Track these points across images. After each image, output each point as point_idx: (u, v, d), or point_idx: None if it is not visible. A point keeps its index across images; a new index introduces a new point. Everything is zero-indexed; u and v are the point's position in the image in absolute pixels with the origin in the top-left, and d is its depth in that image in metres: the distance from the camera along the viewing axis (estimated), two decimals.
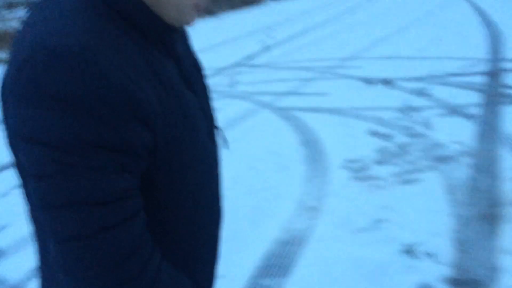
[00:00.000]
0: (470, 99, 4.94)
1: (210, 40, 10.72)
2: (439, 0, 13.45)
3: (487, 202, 2.98)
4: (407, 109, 4.84)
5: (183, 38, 0.93)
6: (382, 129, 4.41)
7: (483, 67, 6.09)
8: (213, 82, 6.90)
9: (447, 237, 2.67)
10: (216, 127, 0.95)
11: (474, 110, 4.60)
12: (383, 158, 3.82)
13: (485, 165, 3.49)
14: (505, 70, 5.84)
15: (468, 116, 4.47)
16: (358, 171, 3.64)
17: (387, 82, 5.89)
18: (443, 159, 3.66)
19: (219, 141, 0.96)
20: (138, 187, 0.72)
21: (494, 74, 5.73)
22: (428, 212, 2.94)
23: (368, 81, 6.03)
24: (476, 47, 7.22)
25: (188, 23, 0.81)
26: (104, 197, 0.66)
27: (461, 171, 3.44)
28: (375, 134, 4.33)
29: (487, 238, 2.63)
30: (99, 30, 0.68)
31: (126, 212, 0.69)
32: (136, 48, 0.73)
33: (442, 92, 5.25)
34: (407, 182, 3.38)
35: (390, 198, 3.17)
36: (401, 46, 7.91)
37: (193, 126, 0.81)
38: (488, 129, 4.14)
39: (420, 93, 5.32)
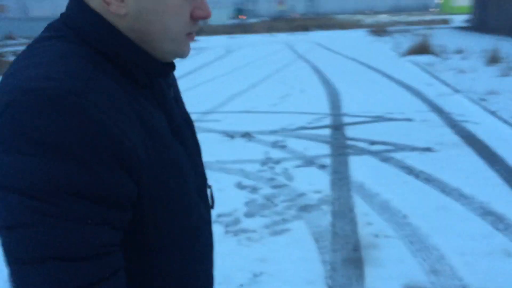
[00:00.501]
0: (321, 150, 5.45)
1: None
2: (284, 60, 14.87)
3: (350, 246, 3.25)
4: (268, 161, 5.13)
5: (174, 89, 0.90)
6: (248, 182, 4.57)
7: (327, 121, 6.82)
8: None
9: (321, 284, 2.83)
10: (206, 185, 0.92)
11: (326, 161, 5.08)
12: (253, 210, 3.94)
13: (342, 211, 3.83)
14: (346, 124, 6.63)
15: (321, 166, 4.91)
16: (231, 225, 3.68)
17: (247, 135, 6.19)
18: (306, 208, 3.92)
19: (208, 199, 0.93)
20: (119, 243, 0.67)
21: (337, 127, 6.45)
22: (301, 261, 3.08)
23: (229, 134, 6.25)
24: (319, 103, 8.08)
25: (184, 54, 0.79)
26: (81, 252, 0.61)
27: (323, 218, 3.72)
28: (242, 187, 4.46)
29: (356, 281, 2.85)
30: (86, 75, 0.66)
31: (105, 270, 0.63)
32: (124, 94, 0.70)
33: (296, 144, 5.70)
34: (278, 233, 3.52)
35: (264, 250, 3.26)
36: (255, 101, 8.44)
37: (181, 178, 0.77)
38: (340, 178, 4.59)
39: (277, 145, 5.69)
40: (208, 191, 0.95)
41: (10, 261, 0.61)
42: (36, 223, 0.59)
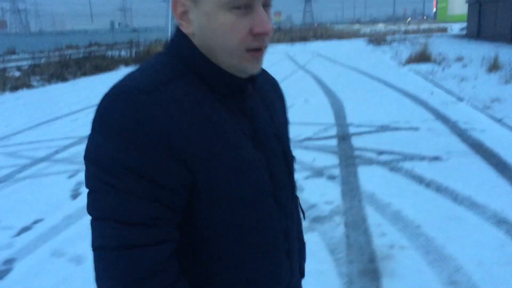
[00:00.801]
0: (329, 161, 5.44)
1: (68, 107, 10.05)
2: (285, 70, 14.91)
3: (366, 257, 3.24)
4: None
5: (270, 103, 0.99)
6: None
7: (333, 131, 6.83)
8: (78, 149, 6.41)
9: None
10: (289, 195, 0.98)
11: (335, 171, 5.07)
12: None
13: (355, 222, 3.82)
14: (352, 134, 6.63)
15: (331, 177, 4.90)
16: None
17: None
18: (319, 219, 3.91)
19: (292, 207, 1.00)
20: (167, 220, 0.79)
21: (343, 137, 6.45)
22: (317, 274, 3.06)
23: None
24: (323, 113, 8.09)
25: (247, 69, 0.85)
26: (131, 219, 0.75)
27: (337, 229, 3.70)
28: None
29: None
30: (162, 79, 0.80)
31: (149, 238, 0.76)
32: (197, 98, 0.81)
33: (304, 155, 5.69)
34: None
35: None
36: None
37: (245, 176, 0.84)
38: (350, 188, 4.58)
39: None
40: (296, 201, 1.05)
41: (90, 215, 0.79)
42: (102, 191, 0.76)
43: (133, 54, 24.00)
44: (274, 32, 49.36)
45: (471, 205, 3.94)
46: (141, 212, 0.75)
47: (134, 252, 0.75)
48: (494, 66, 12.50)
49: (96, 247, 0.77)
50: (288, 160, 0.99)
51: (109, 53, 24.55)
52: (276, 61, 19.35)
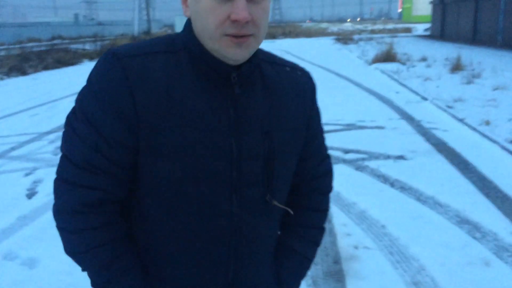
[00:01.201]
0: None
1: (27, 102, 9.63)
2: None
3: (330, 259, 3.20)
4: None
5: (269, 96, 0.98)
6: None
7: None
8: (36, 146, 6.13)
9: None
10: (256, 194, 0.97)
11: None
12: None
13: None
14: None
15: None
16: None
17: None
18: None
19: (260, 208, 0.99)
20: (107, 172, 0.90)
21: None
22: None
23: None
24: None
25: (228, 54, 0.88)
26: (75, 159, 0.89)
27: None
28: None
29: None
30: (143, 50, 0.91)
31: (84, 180, 0.89)
32: (175, 76, 0.89)
33: None
34: None
35: None
36: None
37: (193, 162, 0.89)
38: None
39: None
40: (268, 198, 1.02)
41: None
42: (67, 130, 0.92)
43: (98, 48, 23.39)
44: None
45: (435, 204, 3.98)
46: (84, 156, 0.88)
47: (69, 188, 0.90)
48: (456, 67, 12.82)
49: (56, 175, 0.94)
50: (273, 161, 0.96)
51: (73, 46, 23.84)
52: None
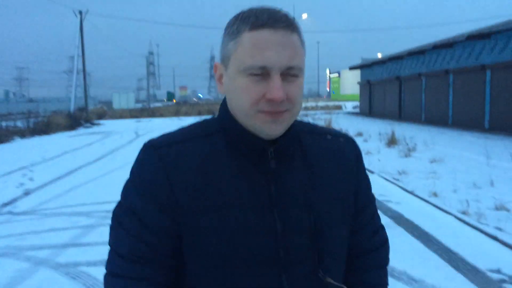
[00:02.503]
0: None
1: None
2: None
3: None
4: None
5: (309, 168, 0.97)
6: None
7: None
8: None
9: None
10: (306, 271, 0.92)
11: None
12: None
13: None
14: None
15: None
16: None
17: None
18: None
19: (310, 286, 0.93)
20: (152, 261, 0.90)
21: None
22: None
23: None
24: None
25: (263, 129, 0.90)
26: (121, 251, 0.91)
27: None
28: None
29: None
30: (181, 139, 0.94)
31: (131, 272, 0.89)
32: (211, 159, 0.91)
33: None
34: None
35: None
36: None
37: (239, 243, 0.87)
38: None
39: None
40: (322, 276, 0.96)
41: None
42: (114, 223, 0.94)
43: (31, 125, 22.41)
44: (181, 106, 49.78)
45: (410, 280, 3.92)
46: (130, 247, 0.89)
47: (118, 281, 0.90)
48: (392, 141, 13.58)
49: (105, 270, 0.94)
50: (321, 234, 0.93)
51: (3, 123, 22.69)
52: None
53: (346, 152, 1.04)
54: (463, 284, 3.83)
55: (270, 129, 0.89)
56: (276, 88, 0.85)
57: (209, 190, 0.89)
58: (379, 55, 42.68)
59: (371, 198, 1.11)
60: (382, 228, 1.14)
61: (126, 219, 0.90)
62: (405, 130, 16.72)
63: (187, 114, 38.08)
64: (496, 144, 13.06)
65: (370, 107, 34.37)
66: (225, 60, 0.92)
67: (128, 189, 0.93)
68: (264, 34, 0.86)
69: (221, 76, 0.95)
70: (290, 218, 0.91)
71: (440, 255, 4.46)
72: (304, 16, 48.79)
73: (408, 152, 11.50)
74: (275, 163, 0.92)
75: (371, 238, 1.10)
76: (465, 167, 9.27)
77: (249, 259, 0.88)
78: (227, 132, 0.94)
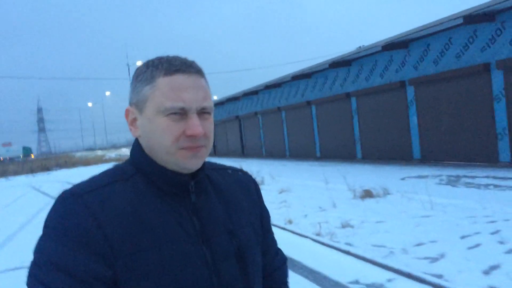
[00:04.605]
0: None
1: None
2: (36, 204, 13.25)
3: None
4: None
5: (224, 199, 1.06)
6: None
7: None
8: None
9: None
10: None
11: None
12: None
13: None
14: None
15: None
16: None
17: None
18: None
19: None
20: None
21: None
22: None
23: None
24: None
25: (186, 164, 0.96)
26: None
27: None
28: None
29: None
30: (101, 184, 0.94)
31: None
32: (134, 200, 0.93)
33: None
34: None
35: None
36: (19, 256, 7.13)
37: (177, 277, 0.90)
38: None
39: None
40: None
41: None
42: (32, 281, 0.87)
43: None
44: (8, 165, 44.47)
45: None
46: None
47: None
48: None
49: None
50: (244, 258, 1.02)
51: None
52: (21, 195, 17.19)
53: (247, 183, 1.17)
54: None
55: (191, 163, 0.96)
56: (195, 125, 0.95)
57: (141, 230, 0.90)
58: (215, 97, 44.64)
59: (270, 222, 1.24)
60: (280, 249, 1.28)
61: (50, 277, 0.85)
62: (250, 166, 17.63)
63: (16, 173, 34.05)
64: (329, 170, 14.66)
65: (214, 147, 35.48)
66: (139, 104, 0.98)
67: (47, 245, 0.87)
68: (179, 78, 0.95)
69: (134, 120, 1.01)
70: (217, 246, 0.98)
71: (306, 277, 4.80)
72: (139, 63, 48.54)
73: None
74: (195, 196, 1.00)
75: (275, 258, 1.23)
76: (310, 193, 10.19)
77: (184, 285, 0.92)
78: (145, 173, 0.98)
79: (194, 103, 0.95)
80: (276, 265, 1.22)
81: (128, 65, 43.28)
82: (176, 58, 0.99)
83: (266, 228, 1.18)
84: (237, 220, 1.05)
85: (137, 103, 0.99)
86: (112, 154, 59.57)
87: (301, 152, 22.14)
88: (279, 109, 23.92)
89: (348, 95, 17.95)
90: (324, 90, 19.63)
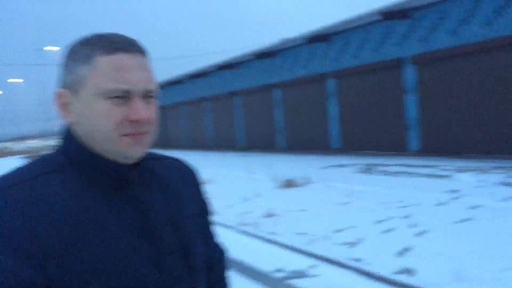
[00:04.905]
0: None
1: None
2: None
3: None
4: None
5: (165, 189, 0.99)
6: None
7: None
8: None
9: None
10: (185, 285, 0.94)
11: None
12: None
13: None
14: None
15: None
16: None
17: None
18: None
19: None
20: None
21: None
22: None
23: None
24: None
25: (128, 153, 0.88)
26: None
27: None
28: None
29: None
30: (29, 176, 0.84)
31: None
32: (67, 194, 0.83)
33: None
34: None
35: None
36: None
37: (119, 274, 0.83)
38: None
39: None
40: None
41: None
42: None
43: None
44: None
45: None
46: None
47: None
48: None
49: None
50: (189, 251, 0.96)
51: None
52: None
53: (187, 173, 1.11)
54: None
55: (134, 151, 0.89)
56: (140, 109, 0.87)
57: (74, 227, 0.82)
58: None
59: (210, 213, 1.20)
60: (219, 240, 1.25)
61: None
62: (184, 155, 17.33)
63: None
64: (253, 160, 14.84)
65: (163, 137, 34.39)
66: (74, 86, 0.88)
67: None
68: (122, 58, 0.86)
69: (66, 104, 0.90)
70: (160, 240, 0.91)
71: (231, 267, 4.79)
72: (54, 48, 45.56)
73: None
74: (136, 188, 0.93)
75: (216, 249, 1.20)
76: (234, 184, 10.23)
77: (141, 283, 0.86)
78: (79, 163, 0.88)
79: (139, 84, 0.87)
80: (215, 258, 1.19)
81: (39, 49, 40.41)
82: (117, 36, 0.90)
83: (206, 220, 1.13)
84: (179, 212, 0.99)
85: (71, 85, 0.88)
86: (20, 146, 55.55)
87: (225, 143, 22.16)
88: (203, 99, 23.72)
89: (271, 86, 18.23)
90: (248, 81, 19.76)
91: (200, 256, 1.02)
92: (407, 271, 4.16)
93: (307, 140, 16.73)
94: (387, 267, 4.29)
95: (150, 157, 1.03)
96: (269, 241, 5.59)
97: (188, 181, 1.09)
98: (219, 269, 1.20)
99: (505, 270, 3.92)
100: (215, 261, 1.19)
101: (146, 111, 0.88)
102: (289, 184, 9.18)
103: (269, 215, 6.87)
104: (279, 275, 4.48)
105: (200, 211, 1.09)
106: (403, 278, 3.98)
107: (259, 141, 19.36)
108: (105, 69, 0.86)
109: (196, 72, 22.59)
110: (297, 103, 17.12)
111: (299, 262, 4.74)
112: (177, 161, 1.13)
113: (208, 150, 22.85)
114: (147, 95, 0.90)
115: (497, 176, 8.22)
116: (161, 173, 1.02)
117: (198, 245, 1.01)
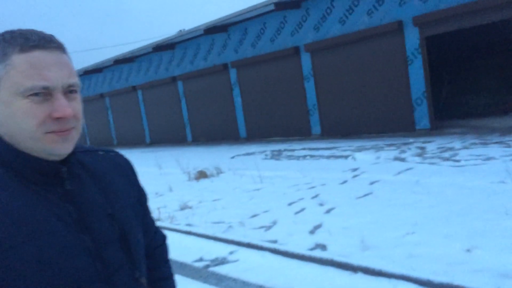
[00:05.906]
0: None
1: None
2: None
3: None
4: None
5: (98, 182, 1.00)
6: None
7: None
8: None
9: None
10: (126, 277, 0.97)
11: None
12: None
13: None
14: None
15: None
16: None
17: None
18: None
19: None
20: None
21: None
22: None
23: None
24: None
25: (54, 150, 0.88)
26: None
27: None
28: None
29: None
30: None
31: None
32: (1, 191, 0.84)
33: None
34: None
35: None
36: None
37: (60, 269, 0.84)
38: None
39: None
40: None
41: None
42: None
43: None
44: None
45: None
46: None
47: None
48: None
49: None
50: (127, 241, 0.99)
51: None
52: None
53: (121, 164, 1.14)
54: (182, 282, 4.23)
55: (61, 148, 0.89)
56: (63, 106, 0.87)
57: (11, 225, 0.82)
58: None
59: (148, 202, 1.24)
60: (157, 227, 1.29)
61: None
62: None
63: None
64: (162, 155, 14.60)
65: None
66: None
67: None
68: (39, 55, 0.86)
69: None
70: (98, 232, 0.93)
71: None
72: None
73: None
74: (68, 183, 0.94)
75: (154, 236, 1.24)
76: (144, 180, 9.95)
77: (71, 283, 0.87)
78: (7, 163, 0.88)
79: (59, 81, 0.87)
80: (156, 244, 1.23)
81: None
82: (32, 32, 0.89)
83: (144, 208, 1.16)
84: (116, 202, 1.01)
85: None
86: None
87: (130, 139, 21.47)
88: (102, 95, 22.66)
89: (174, 79, 17.99)
90: (149, 74, 19.28)
91: (140, 244, 1.04)
92: (320, 246, 4.46)
93: (216, 131, 16.83)
94: (301, 245, 4.56)
95: (80, 150, 1.04)
96: (187, 232, 5.61)
97: (122, 171, 1.11)
98: (160, 253, 1.24)
99: (405, 235, 4.38)
100: (155, 247, 1.23)
101: (70, 107, 0.89)
102: (201, 175, 9.22)
103: (184, 207, 6.87)
104: (201, 264, 4.54)
105: (137, 200, 1.11)
106: (317, 253, 4.27)
107: (169, 135, 19.05)
108: (22, 67, 0.85)
109: (92, 67, 21.48)
110: (201, 95, 17.10)
111: (219, 250, 4.85)
112: (110, 152, 1.15)
113: (112, 147, 21.94)
114: (69, 91, 0.90)
115: (391, 153, 9.03)
116: (93, 166, 1.04)
117: (137, 233, 1.04)
